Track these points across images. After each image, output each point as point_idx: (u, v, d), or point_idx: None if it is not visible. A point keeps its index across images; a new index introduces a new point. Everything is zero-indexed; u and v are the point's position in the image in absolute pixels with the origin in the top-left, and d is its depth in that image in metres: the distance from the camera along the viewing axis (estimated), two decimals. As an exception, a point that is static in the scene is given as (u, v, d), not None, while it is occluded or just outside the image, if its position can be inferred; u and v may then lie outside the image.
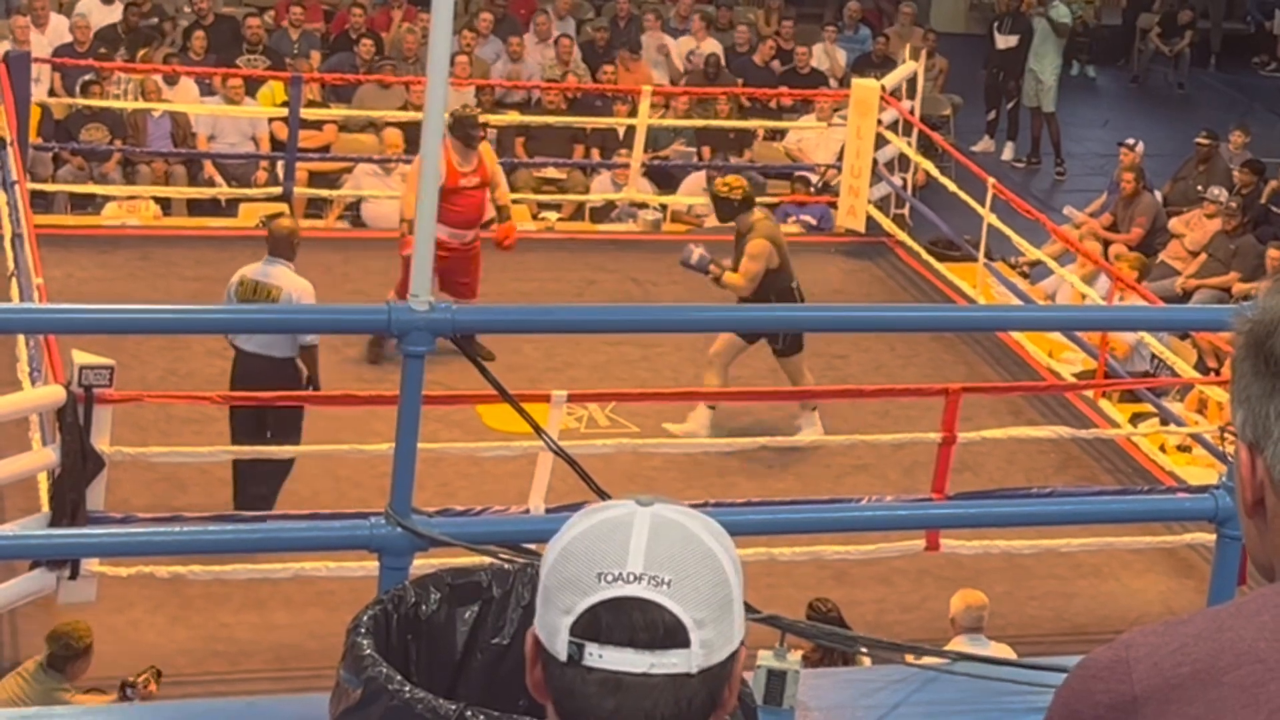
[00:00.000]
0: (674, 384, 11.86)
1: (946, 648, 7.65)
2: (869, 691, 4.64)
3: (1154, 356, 12.77)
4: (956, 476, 9.81)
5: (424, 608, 3.34)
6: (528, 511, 8.72)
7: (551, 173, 16.28)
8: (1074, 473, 11.39)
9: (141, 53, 16.80)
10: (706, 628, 1.79)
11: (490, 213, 15.02)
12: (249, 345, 10.06)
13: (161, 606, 9.21)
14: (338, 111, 16.36)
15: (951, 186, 14.29)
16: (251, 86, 16.00)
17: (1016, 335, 12.88)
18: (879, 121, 14.85)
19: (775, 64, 18.51)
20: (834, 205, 15.40)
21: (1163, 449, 11.67)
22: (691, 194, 15.96)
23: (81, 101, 15.44)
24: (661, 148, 16.63)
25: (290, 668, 8.78)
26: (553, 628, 1.80)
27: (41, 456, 8.67)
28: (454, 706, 2.99)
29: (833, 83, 18.13)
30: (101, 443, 8.39)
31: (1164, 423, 11.99)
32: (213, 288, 12.79)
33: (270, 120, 15.87)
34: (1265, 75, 23.65)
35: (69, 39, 16.50)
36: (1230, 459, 2.09)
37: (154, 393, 9.83)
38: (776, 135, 17.41)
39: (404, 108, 15.77)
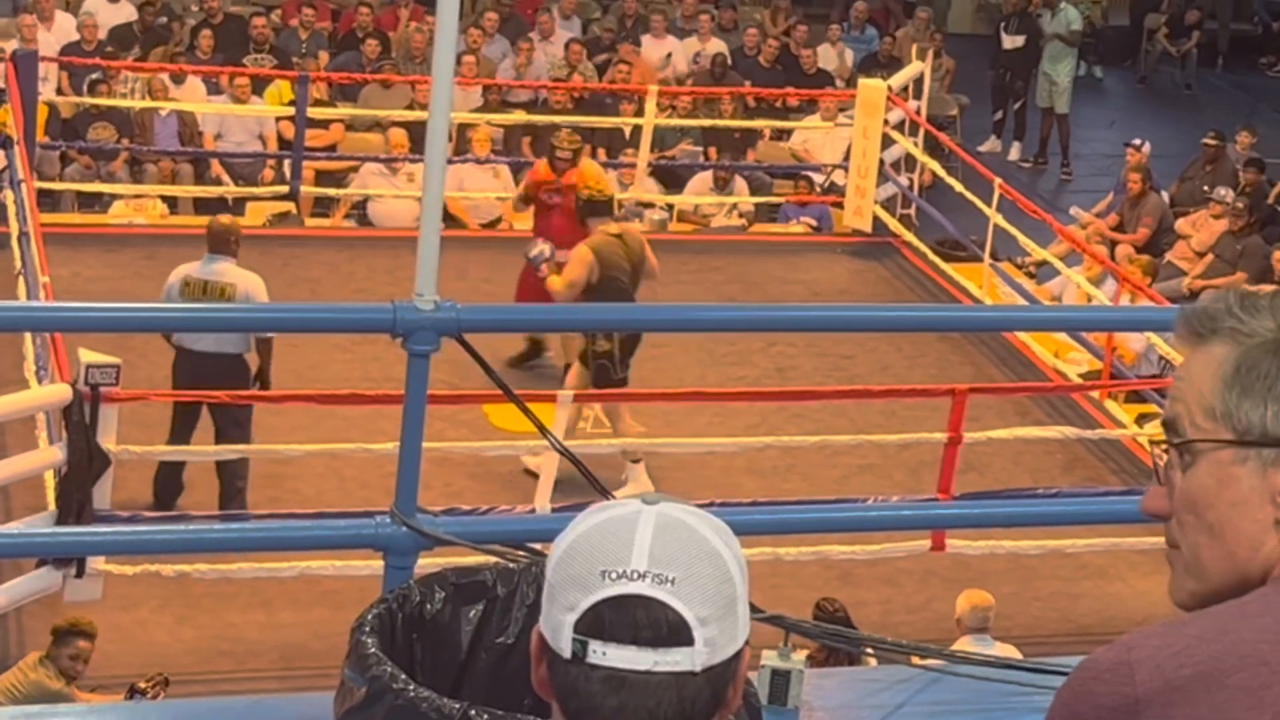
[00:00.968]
0: (679, 384, 11.86)
1: (952, 648, 7.65)
2: (874, 691, 4.63)
3: (1161, 357, 12.77)
4: (962, 477, 9.80)
5: (429, 607, 3.34)
6: (533, 511, 8.73)
7: (558, 172, 16.27)
8: (1080, 473, 11.38)
9: (158, 51, 16.82)
10: (710, 626, 1.79)
11: (498, 210, 15.05)
12: (199, 345, 9.99)
13: (167, 605, 9.21)
14: (345, 111, 16.37)
15: (958, 187, 14.28)
16: (258, 86, 16.01)
17: (1023, 336, 12.88)
18: (885, 121, 14.84)
19: (781, 64, 18.51)
20: (839, 205, 15.40)
21: (1169, 449, 11.65)
22: (698, 194, 15.96)
23: (89, 100, 15.46)
24: (668, 147, 16.64)
25: (295, 667, 8.78)
26: (557, 625, 1.80)
27: (48, 455, 8.68)
28: (458, 705, 2.99)
29: (839, 83, 18.13)
30: (108, 441, 8.40)
31: (1170, 423, 11.97)
32: (219, 286, 12.82)
33: (277, 119, 15.89)
34: (1272, 76, 23.64)
35: (76, 38, 16.52)
36: (1169, 469, 1.98)
37: (160, 391, 9.83)
38: (783, 135, 17.41)
39: (410, 107, 15.78)
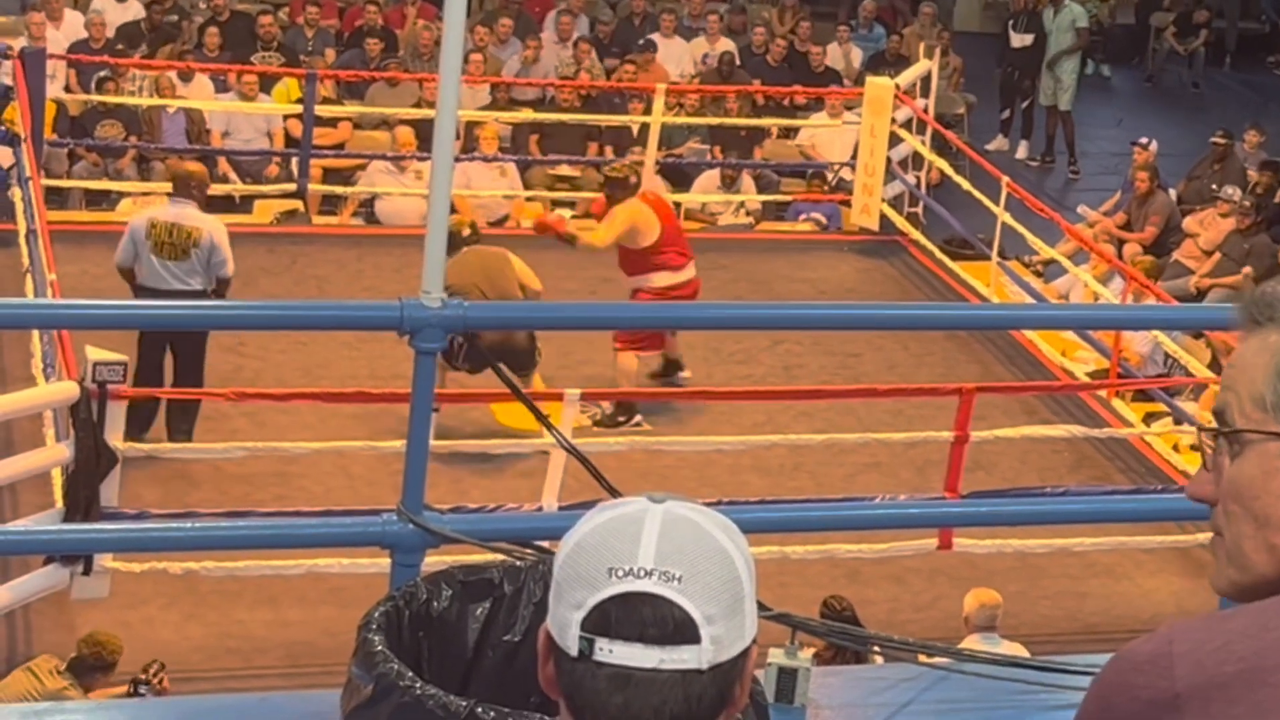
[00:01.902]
0: (687, 382, 11.87)
1: (959, 647, 7.64)
2: (880, 689, 4.63)
3: (1168, 356, 12.76)
4: (970, 475, 9.80)
5: (435, 605, 3.34)
6: (540, 509, 8.73)
7: (565, 170, 16.28)
8: (1087, 472, 11.38)
9: (166, 49, 16.83)
10: (717, 624, 1.79)
11: (505, 208, 15.06)
12: (162, 285, 10.66)
13: (175, 603, 9.22)
14: (352, 109, 16.37)
15: (965, 185, 14.28)
16: (266, 83, 16.02)
17: (1030, 334, 12.87)
18: (893, 120, 14.84)
19: (789, 62, 18.51)
20: (847, 204, 15.40)
21: (1176, 448, 11.66)
22: (705, 192, 15.96)
23: (96, 98, 15.47)
24: (675, 146, 16.63)
25: (302, 664, 8.79)
26: (564, 623, 1.80)
27: (55, 452, 8.68)
28: (465, 703, 2.99)
29: (847, 81, 18.12)
30: (115, 439, 8.40)
31: (1177, 422, 11.98)
32: (227, 284, 12.81)
33: (285, 117, 15.89)
34: (1280, 74, 23.64)
35: (84, 35, 16.53)
36: (1217, 455, 1.93)
37: (168, 389, 9.85)
38: (790, 133, 17.41)
39: (418, 105, 15.78)
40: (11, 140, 12.93)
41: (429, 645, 3.32)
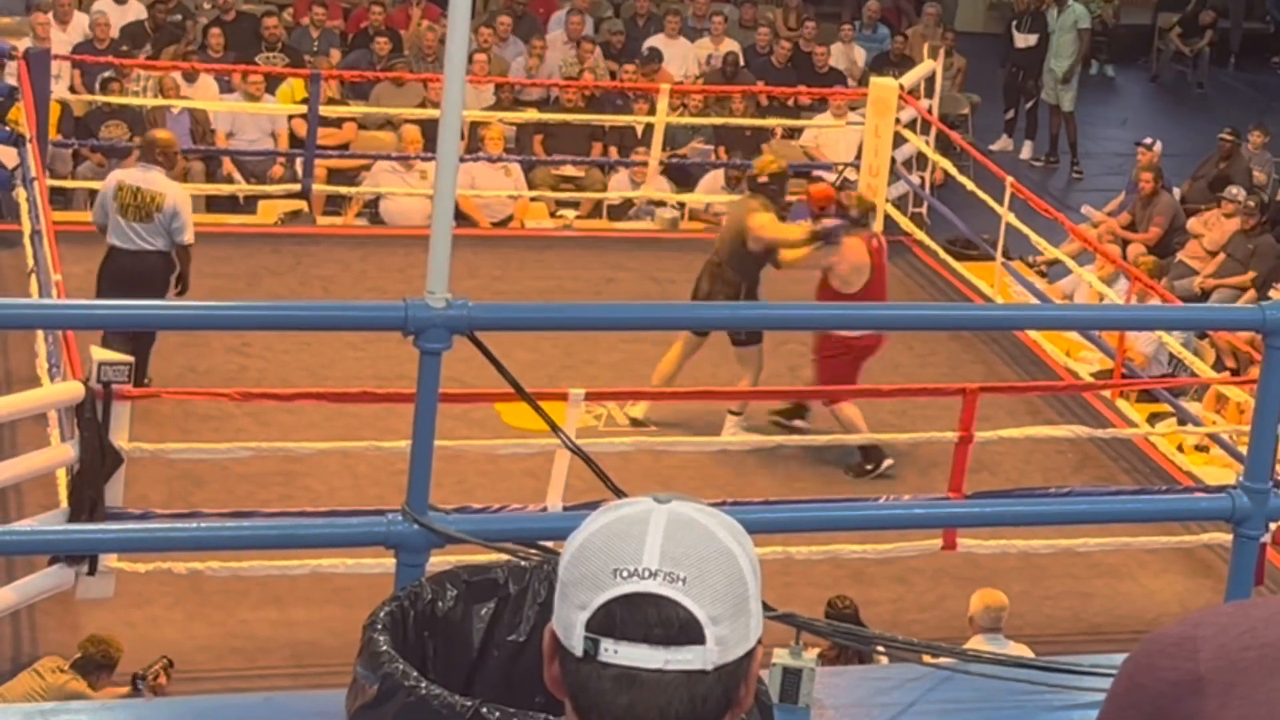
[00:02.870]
0: (692, 383, 11.87)
1: (964, 647, 7.65)
2: (885, 690, 4.63)
3: (1172, 356, 12.75)
4: (974, 476, 9.80)
5: (440, 604, 3.34)
6: (545, 509, 8.73)
7: (570, 170, 16.29)
8: (1091, 472, 11.37)
9: (170, 49, 16.84)
10: (722, 624, 1.79)
11: (509, 208, 15.07)
12: (127, 245, 11.10)
13: (180, 602, 9.23)
14: (357, 109, 16.38)
15: (969, 185, 14.28)
16: (270, 84, 16.03)
17: (1034, 335, 12.87)
18: (897, 120, 14.84)
19: (793, 63, 18.50)
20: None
21: (1180, 449, 11.66)
22: (710, 192, 15.96)
23: (101, 98, 15.47)
24: (679, 146, 16.64)
25: (307, 664, 8.80)
26: (569, 623, 1.81)
27: (60, 453, 8.69)
28: (469, 703, 2.99)
29: (851, 82, 18.11)
30: (120, 439, 8.41)
31: (1181, 422, 11.98)
32: (232, 284, 12.83)
33: (289, 117, 15.90)
34: (1285, 75, 23.63)
35: (89, 36, 16.54)
36: None
37: (172, 389, 9.86)
38: (794, 134, 17.41)
39: (422, 105, 15.79)
40: (16, 141, 12.93)
41: (434, 645, 3.32)
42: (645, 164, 15.56)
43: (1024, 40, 19.23)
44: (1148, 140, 16.37)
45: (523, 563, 3.32)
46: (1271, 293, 14.01)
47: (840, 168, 16.09)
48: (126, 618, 8.80)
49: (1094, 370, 12.80)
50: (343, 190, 15.36)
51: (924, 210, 15.31)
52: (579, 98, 16.59)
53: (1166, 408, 12.34)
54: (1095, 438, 11.37)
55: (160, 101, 15.48)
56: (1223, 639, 1.83)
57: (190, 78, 15.89)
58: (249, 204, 15.27)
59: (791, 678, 4.46)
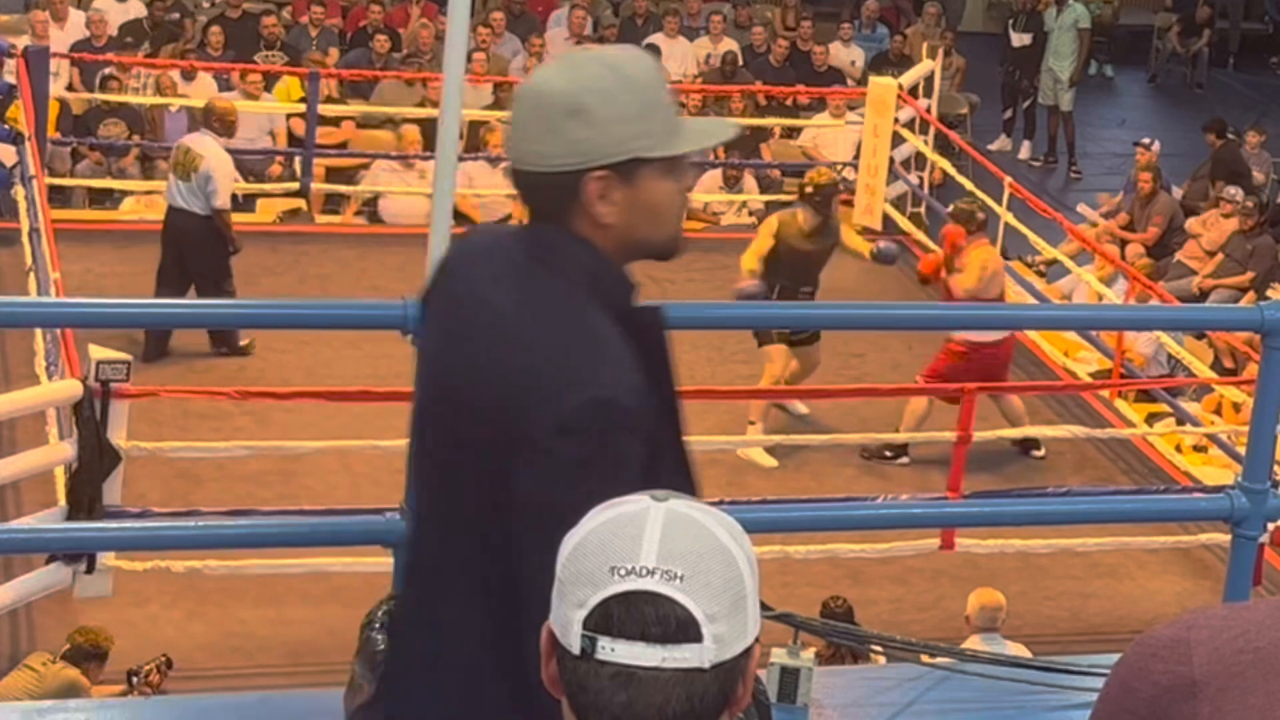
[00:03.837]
0: (689, 381, 11.84)
1: (962, 647, 7.65)
2: (883, 689, 4.64)
3: (1170, 356, 12.76)
4: (972, 476, 9.81)
5: (439, 603, 3.34)
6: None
7: (568, 170, 16.26)
8: (1090, 472, 11.38)
9: (168, 48, 16.84)
10: (719, 622, 1.79)
11: (508, 208, 15.06)
12: (175, 202, 11.93)
13: (178, 601, 9.23)
14: (355, 107, 16.37)
15: (968, 185, 14.27)
16: (269, 82, 16.02)
17: (1033, 335, 12.87)
18: (896, 120, 14.84)
19: (791, 62, 18.50)
20: (849, 203, 15.39)
21: (1179, 449, 11.66)
22: (708, 191, 15.96)
23: (99, 97, 15.47)
24: (678, 145, 16.62)
25: (305, 663, 8.79)
26: (566, 621, 1.81)
27: (58, 451, 8.69)
28: (468, 702, 2.99)
29: (850, 81, 18.12)
30: (118, 437, 8.41)
31: (1180, 423, 11.98)
32: (230, 283, 12.82)
33: (288, 116, 15.89)
34: (1283, 75, 23.64)
35: (87, 34, 16.54)
36: None
37: (170, 387, 9.86)
38: (793, 133, 17.41)
39: (421, 104, 15.78)
40: (15, 138, 12.94)
41: (432, 644, 3.32)
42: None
43: (1020, 39, 19.22)
44: (1146, 140, 16.38)
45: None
46: (1270, 293, 14.01)
47: (839, 167, 16.09)
48: (124, 616, 8.80)
49: (1092, 370, 12.80)
50: (341, 189, 15.35)
51: (922, 210, 15.31)
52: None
53: (1165, 408, 12.34)
54: (1093, 438, 11.38)
55: (159, 100, 15.49)
56: (1216, 642, 1.82)
57: (189, 76, 15.88)
58: (247, 202, 15.25)
59: (789, 677, 4.46)
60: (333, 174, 15.61)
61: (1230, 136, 16.95)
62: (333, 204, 15.49)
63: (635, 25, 19.30)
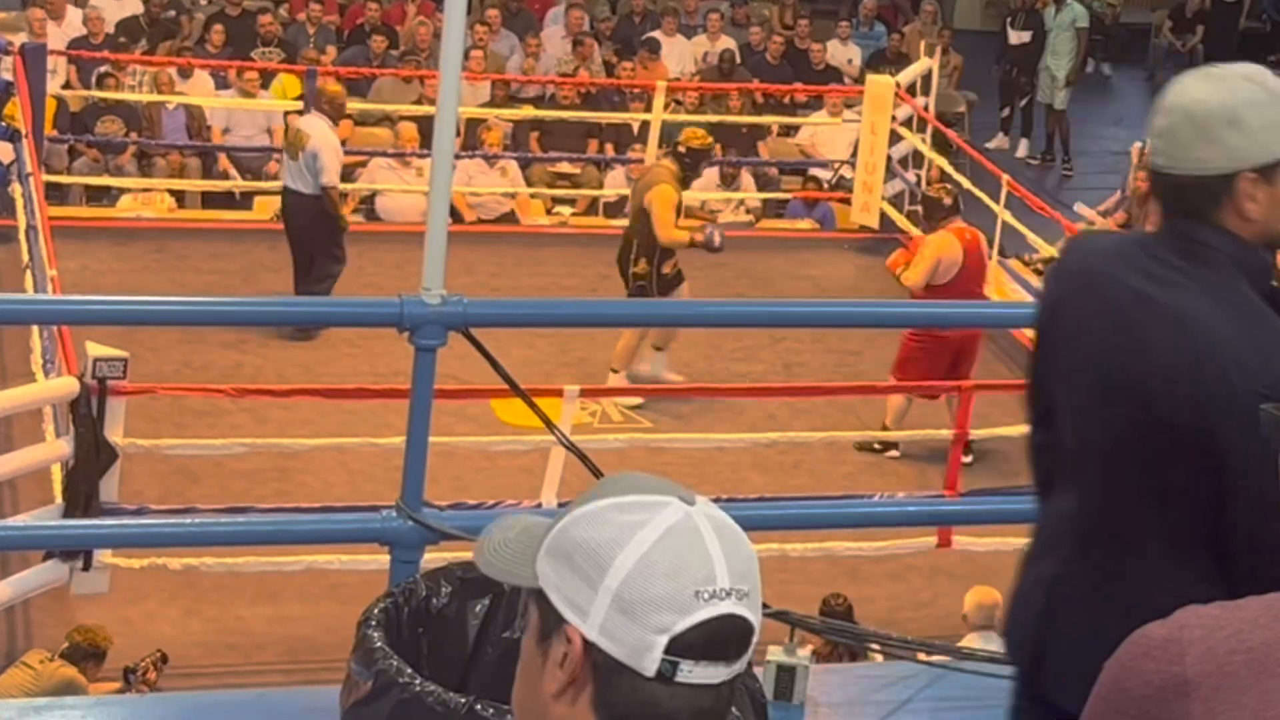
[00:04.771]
0: (686, 378, 11.87)
1: (959, 645, 7.64)
2: (880, 687, 4.64)
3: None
4: (969, 474, 9.80)
5: (435, 601, 3.34)
6: (540, 506, 8.73)
7: (566, 167, 16.28)
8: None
9: (165, 45, 16.83)
10: (758, 628, 1.83)
11: (506, 207, 15.05)
12: (288, 183, 12.57)
13: (175, 598, 9.23)
14: (353, 105, 16.35)
15: (966, 183, 14.27)
16: (266, 80, 16.01)
17: (1030, 333, 12.85)
18: (893, 118, 14.84)
19: (789, 60, 18.51)
20: (846, 202, 15.40)
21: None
22: (705, 189, 15.95)
23: (97, 94, 15.46)
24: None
25: (302, 660, 8.80)
26: (641, 644, 1.76)
27: (55, 448, 8.68)
28: (464, 699, 3.00)
29: (847, 79, 18.11)
30: (115, 435, 8.40)
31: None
32: (227, 280, 12.85)
33: (285, 114, 15.88)
34: (1281, 74, 23.61)
35: (84, 31, 16.53)
36: None
37: (168, 385, 9.85)
38: (790, 131, 17.41)
39: (418, 102, 15.78)
40: (12, 136, 12.93)
41: (428, 642, 3.33)
42: (641, 161, 15.55)
43: (1018, 37, 19.22)
44: (1144, 139, 16.37)
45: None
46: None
47: (836, 165, 16.10)
48: (121, 613, 8.80)
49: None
50: (339, 186, 15.32)
51: (920, 208, 15.29)
52: (575, 95, 16.58)
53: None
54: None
55: (156, 97, 15.48)
56: (1210, 641, 1.81)
57: (186, 74, 15.88)
58: (245, 200, 15.26)
59: (786, 675, 4.46)
60: (330, 172, 15.59)
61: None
62: (330, 202, 15.46)
63: (633, 23, 19.30)
